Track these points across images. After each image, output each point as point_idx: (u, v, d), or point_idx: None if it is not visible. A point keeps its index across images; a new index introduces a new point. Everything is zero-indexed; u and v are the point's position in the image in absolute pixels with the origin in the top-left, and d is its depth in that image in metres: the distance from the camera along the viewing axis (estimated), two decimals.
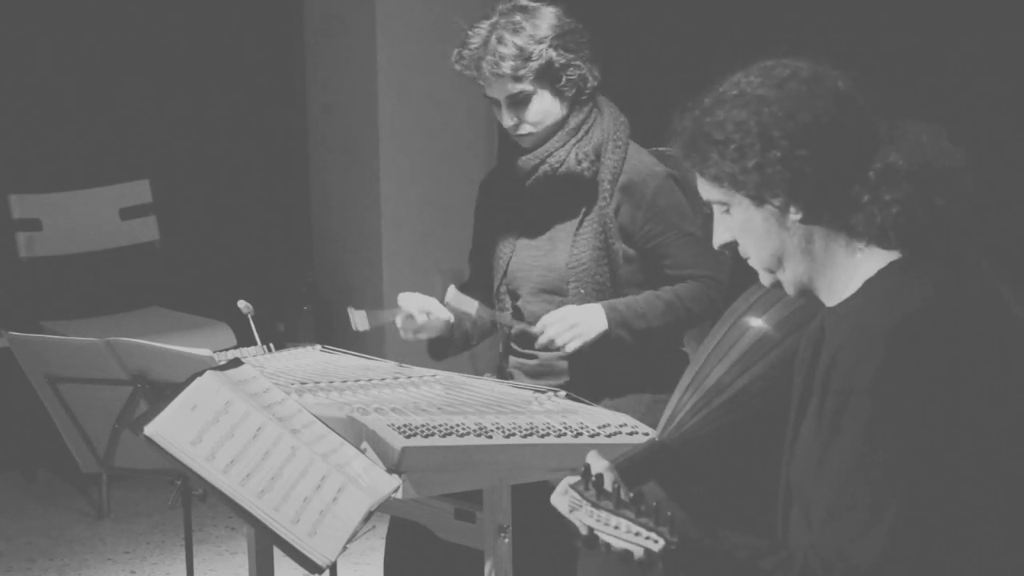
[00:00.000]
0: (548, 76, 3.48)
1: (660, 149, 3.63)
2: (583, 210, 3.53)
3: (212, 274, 6.17)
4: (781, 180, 2.22)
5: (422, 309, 3.53)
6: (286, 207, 6.39)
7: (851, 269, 2.26)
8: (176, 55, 6.12)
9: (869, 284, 2.23)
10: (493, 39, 3.47)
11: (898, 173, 2.22)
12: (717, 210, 2.34)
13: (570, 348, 3.45)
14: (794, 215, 2.25)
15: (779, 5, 4.99)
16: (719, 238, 2.35)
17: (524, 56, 3.46)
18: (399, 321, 3.56)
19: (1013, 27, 4.54)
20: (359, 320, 3.57)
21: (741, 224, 2.30)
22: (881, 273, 2.23)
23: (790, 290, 2.33)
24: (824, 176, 2.22)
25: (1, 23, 5.84)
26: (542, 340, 3.46)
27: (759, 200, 2.26)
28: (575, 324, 3.44)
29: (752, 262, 2.34)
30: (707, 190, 2.32)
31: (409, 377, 3.31)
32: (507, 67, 3.46)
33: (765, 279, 2.35)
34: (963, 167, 2.26)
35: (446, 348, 3.64)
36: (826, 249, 2.27)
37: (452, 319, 3.57)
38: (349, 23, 6.06)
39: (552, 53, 3.47)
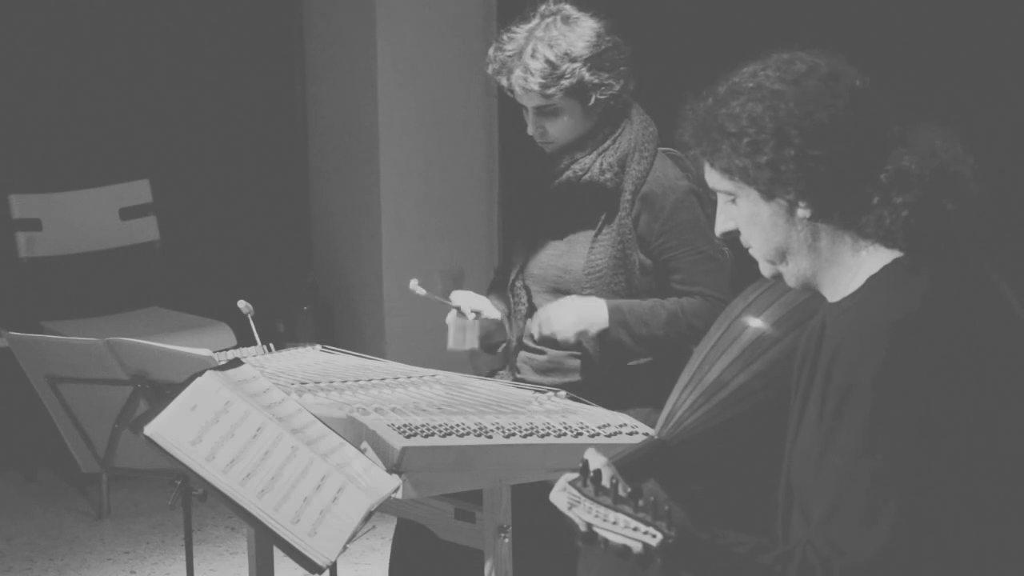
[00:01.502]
0: (578, 95, 3.46)
1: (663, 149, 3.63)
2: (603, 218, 3.53)
3: (212, 274, 6.17)
4: (794, 178, 2.22)
5: (473, 308, 3.57)
6: (286, 207, 6.38)
7: (855, 266, 2.26)
8: (176, 55, 6.12)
9: (872, 280, 2.23)
10: (528, 50, 3.44)
11: (910, 177, 2.21)
12: (722, 199, 2.33)
13: (563, 339, 3.46)
14: (803, 212, 2.24)
15: (783, 8, 4.98)
16: (721, 226, 2.35)
17: (556, 75, 3.43)
18: (449, 317, 3.59)
19: (1014, 29, 4.54)
20: (416, 285, 3.59)
21: (747, 216, 2.29)
22: (884, 270, 2.23)
23: (792, 283, 2.33)
24: (837, 176, 2.21)
25: (1, 23, 5.84)
26: (543, 332, 3.47)
27: (769, 195, 2.25)
28: (577, 320, 3.45)
29: (754, 252, 2.34)
30: (715, 180, 2.31)
31: (409, 377, 3.31)
32: (535, 83, 3.44)
33: (766, 270, 2.34)
34: (974, 172, 2.25)
35: (497, 346, 3.69)
36: (832, 246, 2.26)
37: (501, 317, 3.61)
38: (349, 23, 6.06)
39: (585, 72, 3.44)
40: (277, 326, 6.09)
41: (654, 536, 2.04)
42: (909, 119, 2.28)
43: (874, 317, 2.17)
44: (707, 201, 3.43)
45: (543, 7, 3.52)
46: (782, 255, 2.30)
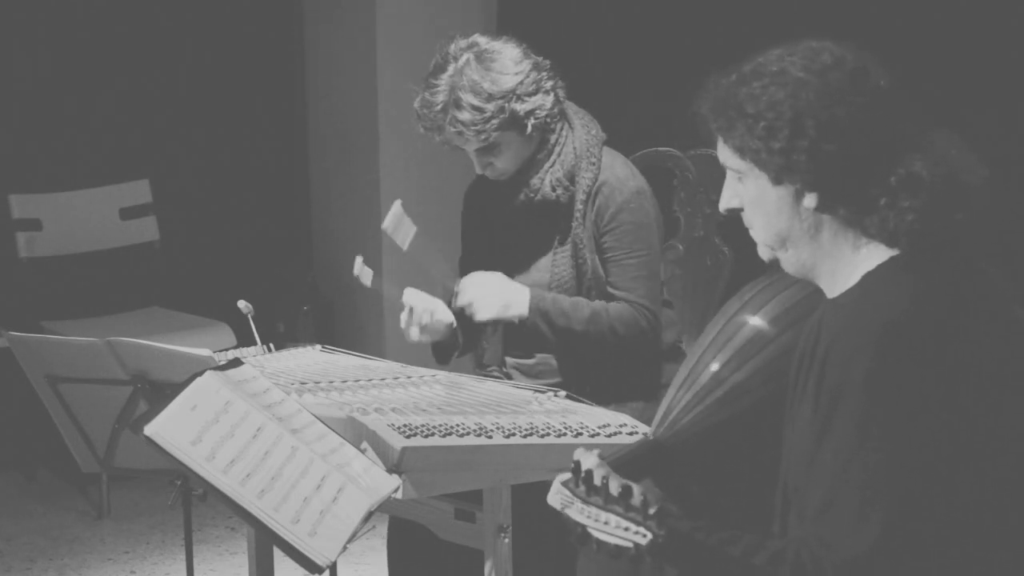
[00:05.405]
0: (513, 126, 3.44)
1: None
2: (560, 232, 3.54)
3: (212, 274, 6.17)
4: (804, 168, 2.21)
5: (425, 308, 3.53)
6: (286, 207, 6.39)
7: (855, 263, 2.26)
8: (176, 55, 6.12)
9: (867, 278, 2.23)
10: (451, 103, 3.41)
11: (920, 182, 2.21)
12: (730, 175, 2.32)
13: (479, 316, 3.45)
14: (809, 201, 2.24)
15: (764, 8, 4.98)
16: (726, 203, 2.34)
17: (486, 117, 3.40)
18: (403, 317, 3.55)
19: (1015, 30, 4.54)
20: (365, 275, 3.56)
21: (753, 197, 2.29)
22: (880, 268, 2.23)
23: (789, 270, 2.33)
24: (847, 173, 2.21)
25: (1, 23, 5.84)
26: (461, 300, 3.46)
27: (777, 180, 2.25)
28: (495, 295, 3.45)
29: (754, 234, 2.33)
30: (726, 156, 2.31)
31: (409, 377, 3.31)
32: (470, 133, 3.42)
33: (764, 254, 2.34)
34: (985, 183, 2.25)
35: (450, 352, 3.65)
36: (833, 240, 2.26)
37: (454, 323, 3.57)
38: (349, 23, 6.06)
39: (513, 105, 3.41)
40: (277, 326, 6.09)
41: (644, 536, 2.04)
42: (927, 124, 2.27)
43: (867, 315, 2.17)
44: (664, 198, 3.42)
45: (453, 47, 3.46)
46: (782, 241, 2.30)
